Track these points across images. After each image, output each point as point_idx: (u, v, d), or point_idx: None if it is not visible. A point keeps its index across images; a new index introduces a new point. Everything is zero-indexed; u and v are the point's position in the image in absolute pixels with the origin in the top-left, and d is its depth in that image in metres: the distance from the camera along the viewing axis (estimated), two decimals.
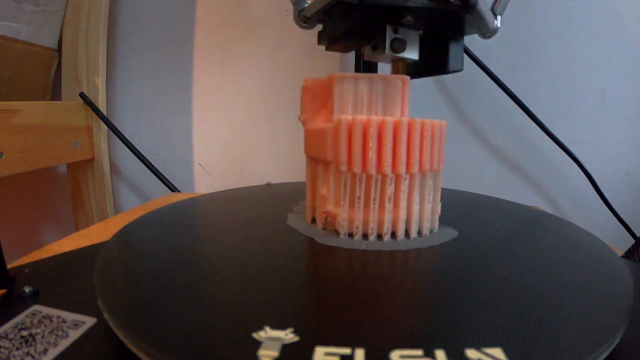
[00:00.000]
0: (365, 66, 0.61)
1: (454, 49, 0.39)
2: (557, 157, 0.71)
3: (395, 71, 0.40)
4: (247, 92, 0.77)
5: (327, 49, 0.42)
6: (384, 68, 0.45)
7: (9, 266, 0.28)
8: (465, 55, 0.67)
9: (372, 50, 0.38)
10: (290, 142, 0.77)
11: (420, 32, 0.38)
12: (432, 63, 0.40)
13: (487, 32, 0.40)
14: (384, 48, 0.36)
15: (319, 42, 0.41)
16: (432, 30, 0.39)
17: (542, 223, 0.42)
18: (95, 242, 0.35)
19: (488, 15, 0.38)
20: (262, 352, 0.18)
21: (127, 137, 0.75)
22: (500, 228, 0.40)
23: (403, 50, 0.36)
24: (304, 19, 0.41)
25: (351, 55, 0.69)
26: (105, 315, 0.22)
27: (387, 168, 0.32)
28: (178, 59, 0.77)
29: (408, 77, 0.36)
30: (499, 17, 0.41)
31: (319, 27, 0.41)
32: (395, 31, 0.36)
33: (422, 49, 0.38)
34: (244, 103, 0.77)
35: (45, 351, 0.20)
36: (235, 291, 0.25)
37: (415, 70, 0.42)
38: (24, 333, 0.22)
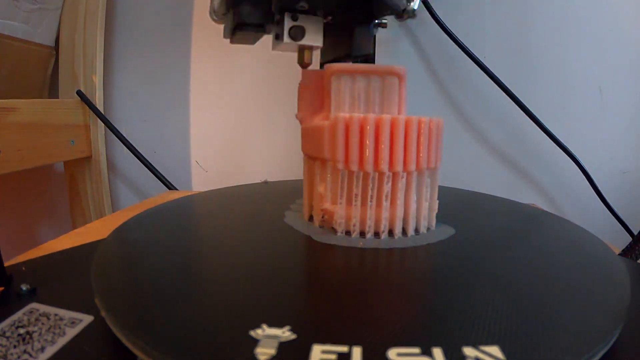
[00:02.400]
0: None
1: (359, 34, 0.40)
2: (555, 155, 0.71)
3: (300, 59, 0.40)
4: (244, 90, 0.77)
5: (231, 42, 0.42)
6: (382, 60, 0.45)
7: (6, 264, 0.28)
8: (462, 52, 0.67)
9: (275, 40, 0.39)
10: (288, 139, 0.77)
11: (327, 18, 0.39)
12: (339, 48, 0.41)
13: (400, 13, 0.41)
14: (283, 37, 0.37)
15: (224, 35, 0.42)
16: (339, 16, 0.39)
17: (540, 221, 0.42)
18: (93, 240, 0.35)
19: None
20: (259, 350, 0.18)
21: (124, 135, 0.75)
22: (498, 226, 0.40)
23: (302, 37, 0.37)
24: (215, 14, 0.42)
25: None
26: (103, 313, 0.22)
27: (384, 166, 0.32)
28: (175, 56, 0.77)
29: (403, 70, 0.36)
30: None
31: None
32: (294, 19, 0.37)
33: (331, 34, 0.39)
34: (241, 101, 0.77)
35: (42, 349, 0.20)
36: (233, 289, 0.25)
37: (327, 57, 0.43)
38: (21, 331, 0.21)
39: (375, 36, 0.41)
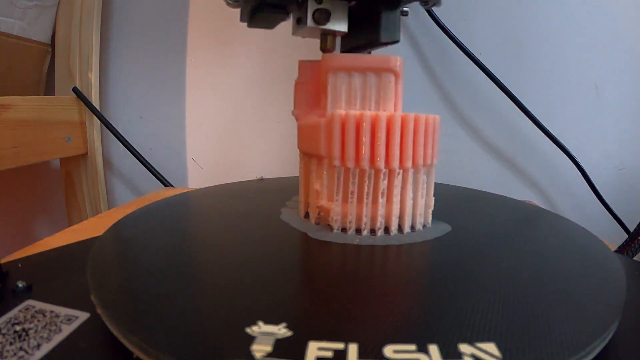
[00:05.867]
0: None
1: (387, 19, 0.37)
2: (551, 152, 0.71)
3: (323, 45, 0.38)
4: (241, 86, 0.77)
5: (249, 25, 0.41)
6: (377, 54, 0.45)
7: (2, 261, 0.28)
8: (459, 50, 0.67)
9: (297, 24, 0.37)
10: (284, 136, 0.77)
11: (351, 2, 0.37)
12: (365, 35, 0.39)
13: (427, 0, 0.39)
14: (307, 20, 0.35)
15: (241, 19, 0.41)
16: (363, 0, 0.37)
17: (536, 218, 0.42)
18: (89, 237, 0.35)
19: None
20: (255, 347, 0.18)
21: (120, 132, 0.74)
22: (494, 223, 0.40)
23: (326, 21, 0.36)
24: None
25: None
26: (99, 310, 0.22)
27: (381, 163, 0.32)
28: (171, 53, 0.77)
29: (400, 64, 0.36)
30: None
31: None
32: (319, 2, 0.35)
33: (353, 20, 0.37)
34: (237, 98, 0.77)
35: (38, 346, 0.20)
36: (229, 286, 0.25)
37: (348, 44, 0.41)
38: (17, 328, 0.21)
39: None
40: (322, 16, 0.35)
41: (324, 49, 0.38)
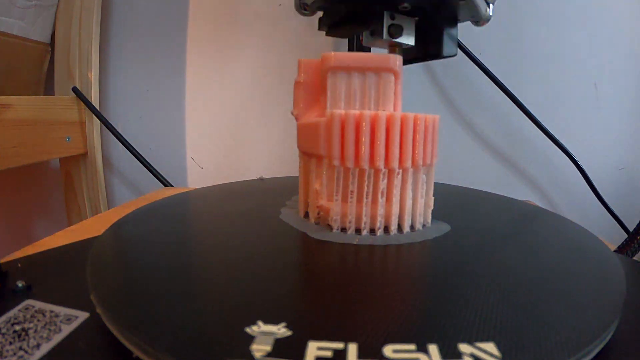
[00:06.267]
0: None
1: (447, 35, 0.43)
2: (550, 152, 0.71)
3: None
4: (240, 86, 0.77)
5: (327, 34, 0.45)
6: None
7: (1, 260, 0.28)
8: (459, 50, 0.67)
9: (370, 36, 0.41)
10: (283, 136, 0.77)
11: (416, 19, 0.41)
12: (427, 48, 0.44)
13: (479, 19, 0.43)
14: (382, 33, 0.39)
15: (320, 27, 0.45)
16: (427, 18, 0.41)
17: (535, 218, 0.42)
18: (88, 236, 0.35)
19: (480, 3, 0.41)
20: (255, 347, 0.18)
21: (120, 132, 0.74)
22: (493, 223, 0.40)
23: (400, 35, 0.40)
24: (304, 7, 0.44)
25: (344, 48, 0.69)
26: (98, 310, 0.22)
27: (380, 162, 0.32)
28: (171, 53, 0.77)
29: (399, 62, 0.36)
30: (491, 5, 0.43)
31: (318, 14, 0.45)
32: (392, 17, 0.39)
33: (417, 35, 0.42)
34: (237, 97, 0.77)
35: (37, 346, 0.20)
36: (228, 286, 0.25)
37: (411, 55, 0.45)
38: (17, 328, 0.21)
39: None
40: (397, 30, 0.40)
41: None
